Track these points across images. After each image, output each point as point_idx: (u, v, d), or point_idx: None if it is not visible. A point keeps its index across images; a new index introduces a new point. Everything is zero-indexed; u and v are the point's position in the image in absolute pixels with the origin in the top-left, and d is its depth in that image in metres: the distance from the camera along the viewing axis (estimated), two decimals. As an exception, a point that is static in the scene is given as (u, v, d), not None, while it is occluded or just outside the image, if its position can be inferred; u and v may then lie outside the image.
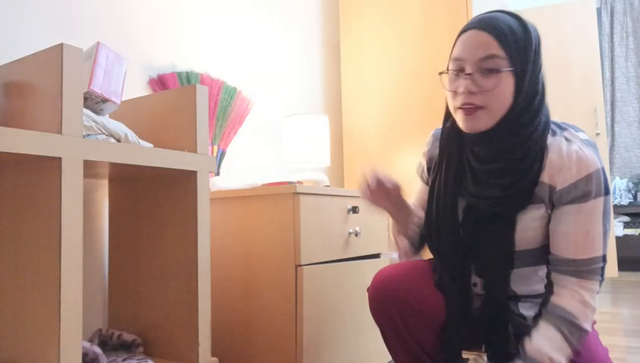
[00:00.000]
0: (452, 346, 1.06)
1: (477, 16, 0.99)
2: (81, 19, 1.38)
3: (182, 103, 1.16)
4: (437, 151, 1.14)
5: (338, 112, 2.60)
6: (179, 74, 1.61)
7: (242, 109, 1.81)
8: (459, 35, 1.00)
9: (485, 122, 0.95)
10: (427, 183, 1.21)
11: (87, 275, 1.32)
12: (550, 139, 0.98)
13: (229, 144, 1.75)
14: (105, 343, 1.18)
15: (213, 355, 1.44)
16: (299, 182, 1.50)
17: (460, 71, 0.97)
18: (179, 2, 1.71)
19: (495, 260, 1.03)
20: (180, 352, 1.12)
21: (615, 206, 4.63)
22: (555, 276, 0.99)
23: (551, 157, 0.97)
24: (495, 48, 0.93)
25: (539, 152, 0.97)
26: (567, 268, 0.97)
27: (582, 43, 3.69)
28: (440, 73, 1.04)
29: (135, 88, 1.52)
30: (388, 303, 1.08)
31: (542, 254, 1.03)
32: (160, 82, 1.57)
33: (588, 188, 0.94)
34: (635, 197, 4.76)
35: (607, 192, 0.94)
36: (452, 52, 1.01)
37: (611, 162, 5.05)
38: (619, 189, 4.79)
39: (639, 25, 5.06)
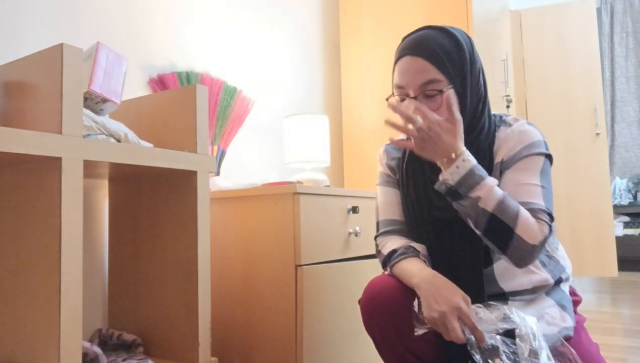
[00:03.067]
0: (453, 353, 1.05)
1: (408, 38, 1.03)
2: (81, 19, 1.38)
3: (182, 103, 1.16)
4: (394, 163, 1.17)
5: (338, 112, 2.60)
6: (179, 74, 1.61)
7: (242, 108, 1.81)
8: (396, 61, 1.03)
9: None
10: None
11: (87, 275, 1.32)
12: (497, 132, 1.04)
13: (229, 144, 1.75)
14: (105, 343, 1.18)
15: (213, 355, 1.44)
16: (299, 182, 1.50)
17: (405, 97, 1.01)
18: (179, 2, 1.71)
19: (474, 258, 1.03)
20: (180, 352, 1.12)
21: (615, 206, 4.63)
22: None
23: (499, 142, 1.03)
24: (433, 73, 0.97)
25: (488, 146, 1.03)
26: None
27: (582, 43, 3.69)
28: (388, 98, 1.07)
29: (135, 88, 1.52)
30: (380, 316, 1.02)
31: None
32: (160, 82, 1.57)
33: (529, 151, 0.99)
34: (635, 197, 4.76)
35: (548, 156, 1.00)
36: (392, 78, 1.05)
37: (611, 162, 5.05)
38: (619, 189, 4.79)
39: (639, 25, 5.06)
